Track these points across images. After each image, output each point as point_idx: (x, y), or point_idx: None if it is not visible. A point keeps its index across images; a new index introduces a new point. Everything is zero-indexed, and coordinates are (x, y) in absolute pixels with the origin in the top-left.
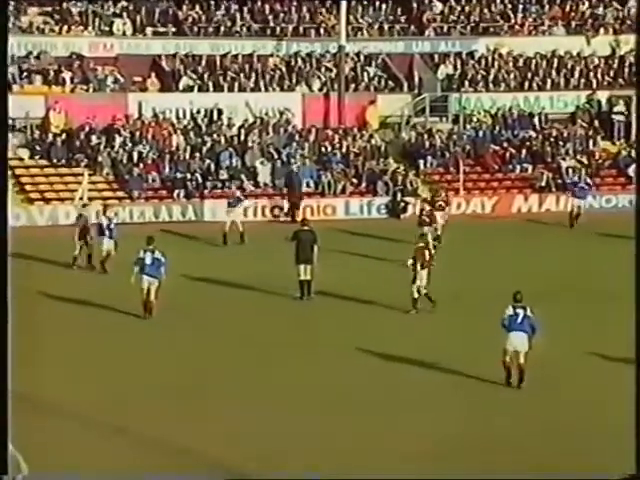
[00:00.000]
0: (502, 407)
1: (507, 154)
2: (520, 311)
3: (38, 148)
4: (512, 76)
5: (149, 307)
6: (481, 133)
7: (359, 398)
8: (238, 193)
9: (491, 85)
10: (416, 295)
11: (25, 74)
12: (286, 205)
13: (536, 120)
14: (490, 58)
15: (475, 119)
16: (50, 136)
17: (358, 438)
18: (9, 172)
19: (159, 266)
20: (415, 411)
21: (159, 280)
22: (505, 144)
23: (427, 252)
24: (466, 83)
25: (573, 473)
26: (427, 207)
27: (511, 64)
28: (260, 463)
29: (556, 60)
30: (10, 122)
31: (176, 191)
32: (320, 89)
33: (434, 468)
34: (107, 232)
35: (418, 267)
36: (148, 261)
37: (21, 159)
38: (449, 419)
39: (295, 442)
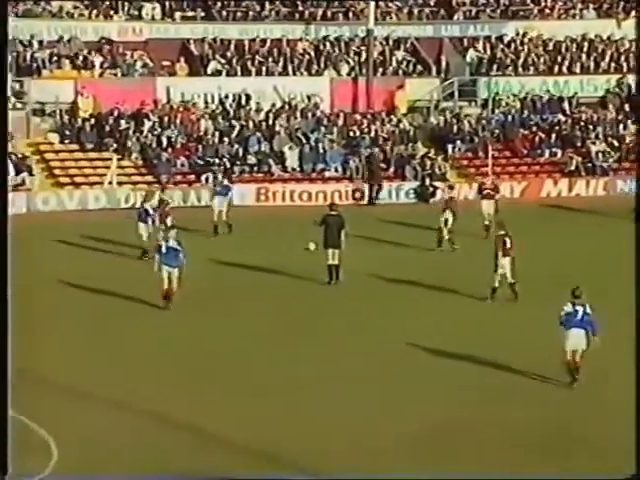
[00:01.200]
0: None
1: (536, 138)
2: (579, 308)
3: (68, 133)
4: (542, 60)
5: (169, 295)
6: (510, 117)
7: (386, 384)
8: (226, 181)
9: (520, 69)
10: (496, 284)
11: (55, 59)
12: (366, 189)
13: (566, 104)
14: (519, 42)
15: (504, 103)
16: (79, 121)
17: (385, 424)
18: (39, 156)
19: (176, 255)
20: (435, 399)
21: (179, 268)
22: (534, 128)
23: (508, 240)
24: (495, 67)
25: (573, 473)
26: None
27: (541, 48)
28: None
29: (586, 44)
30: (40, 107)
31: (204, 176)
32: (348, 73)
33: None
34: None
35: (500, 255)
36: (163, 250)
37: (51, 143)
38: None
39: (322, 429)
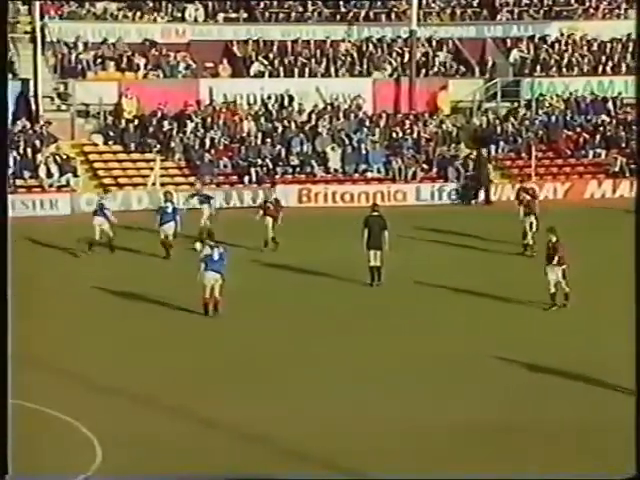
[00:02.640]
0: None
1: (580, 139)
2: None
3: (111, 134)
4: (586, 60)
5: (214, 304)
6: (554, 118)
7: (424, 385)
8: (205, 190)
9: (564, 69)
10: (552, 290)
11: (99, 60)
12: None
13: (610, 105)
14: (563, 42)
15: (547, 104)
16: (123, 122)
17: (424, 424)
18: (83, 157)
19: (223, 261)
20: (473, 400)
21: (223, 276)
22: (578, 129)
23: (560, 247)
24: (538, 67)
25: (573, 473)
26: (526, 195)
27: (585, 48)
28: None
29: (631, 44)
30: (84, 108)
31: (247, 177)
32: (391, 74)
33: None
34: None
35: (551, 264)
36: (216, 257)
37: (95, 145)
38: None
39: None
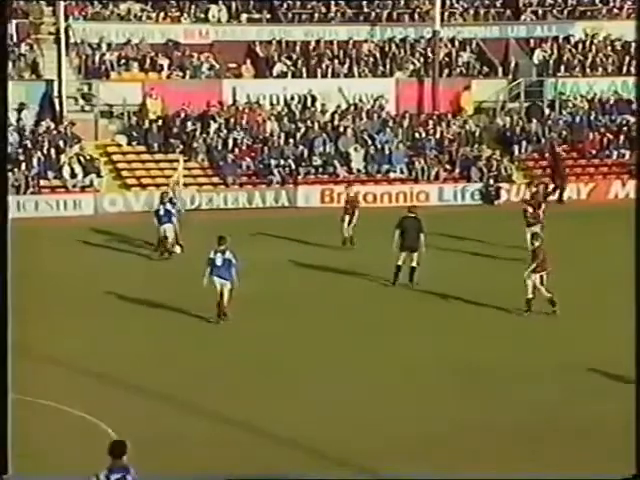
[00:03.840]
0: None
1: (604, 139)
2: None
3: (135, 134)
4: (610, 60)
5: (221, 309)
6: (577, 118)
7: (454, 385)
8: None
9: (588, 70)
10: (530, 295)
11: (123, 61)
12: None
13: (634, 105)
14: (587, 42)
15: (571, 104)
16: (147, 123)
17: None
18: (107, 158)
19: (229, 267)
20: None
21: (231, 282)
22: (602, 129)
23: (541, 253)
24: (562, 68)
25: (573, 473)
26: (529, 208)
27: (609, 48)
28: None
29: None
30: (108, 109)
31: (270, 177)
32: (414, 75)
33: None
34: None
35: (531, 269)
36: (218, 262)
37: (119, 145)
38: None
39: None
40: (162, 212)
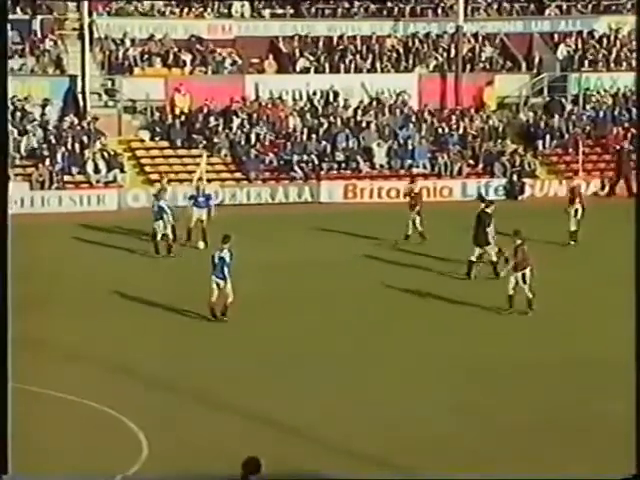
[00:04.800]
0: None
1: (628, 134)
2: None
3: (158, 130)
4: (634, 55)
5: (214, 309)
6: (601, 113)
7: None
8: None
9: (612, 64)
10: (510, 292)
11: (146, 57)
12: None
13: None
14: (612, 37)
15: (595, 99)
16: (170, 118)
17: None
18: (130, 153)
19: (222, 266)
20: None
21: (224, 281)
22: (626, 124)
23: (521, 251)
24: (586, 63)
25: (573, 473)
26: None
27: (634, 43)
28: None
29: None
30: (131, 104)
31: (292, 173)
32: (437, 70)
33: None
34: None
35: (511, 267)
36: (215, 260)
37: (142, 141)
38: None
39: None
40: (156, 209)
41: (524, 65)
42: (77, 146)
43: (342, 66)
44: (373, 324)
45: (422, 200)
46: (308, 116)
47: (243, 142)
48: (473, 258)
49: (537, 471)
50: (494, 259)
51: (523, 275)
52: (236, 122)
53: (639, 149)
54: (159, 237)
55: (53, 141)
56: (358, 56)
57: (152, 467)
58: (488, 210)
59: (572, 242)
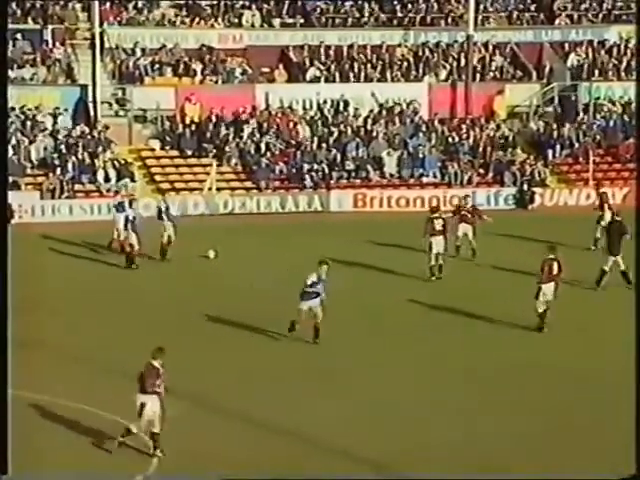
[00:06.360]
0: None
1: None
2: None
3: (168, 139)
4: None
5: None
6: (612, 123)
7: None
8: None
9: (623, 74)
10: (540, 310)
11: (157, 66)
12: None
13: None
14: (622, 46)
15: (605, 109)
16: (180, 127)
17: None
18: (140, 162)
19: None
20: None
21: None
22: (636, 134)
23: (555, 265)
24: (596, 72)
25: (574, 473)
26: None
27: None
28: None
29: None
30: (142, 113)
31: (302, 182)
32: (447, 79)
33: None
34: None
35: (543, 280)
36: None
37: (152, 150)
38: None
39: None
40: (123, 219)
41: (534, 74)
42: (87, 155)
43: (352, 75)
44: (384, 332)
45: (479, 214)
46: (318, 125)
47: (253, 151)
48: (606, 268)
49: (537, 471)
50: (623, 268)
51: (539, 289)
52: (246, 131)
53: (638, 155)
54: (135, 247)
55: (64, 150)
56: (368, 65)
57: (156, 471)
58: (618, 218)
59: (593, 248)
